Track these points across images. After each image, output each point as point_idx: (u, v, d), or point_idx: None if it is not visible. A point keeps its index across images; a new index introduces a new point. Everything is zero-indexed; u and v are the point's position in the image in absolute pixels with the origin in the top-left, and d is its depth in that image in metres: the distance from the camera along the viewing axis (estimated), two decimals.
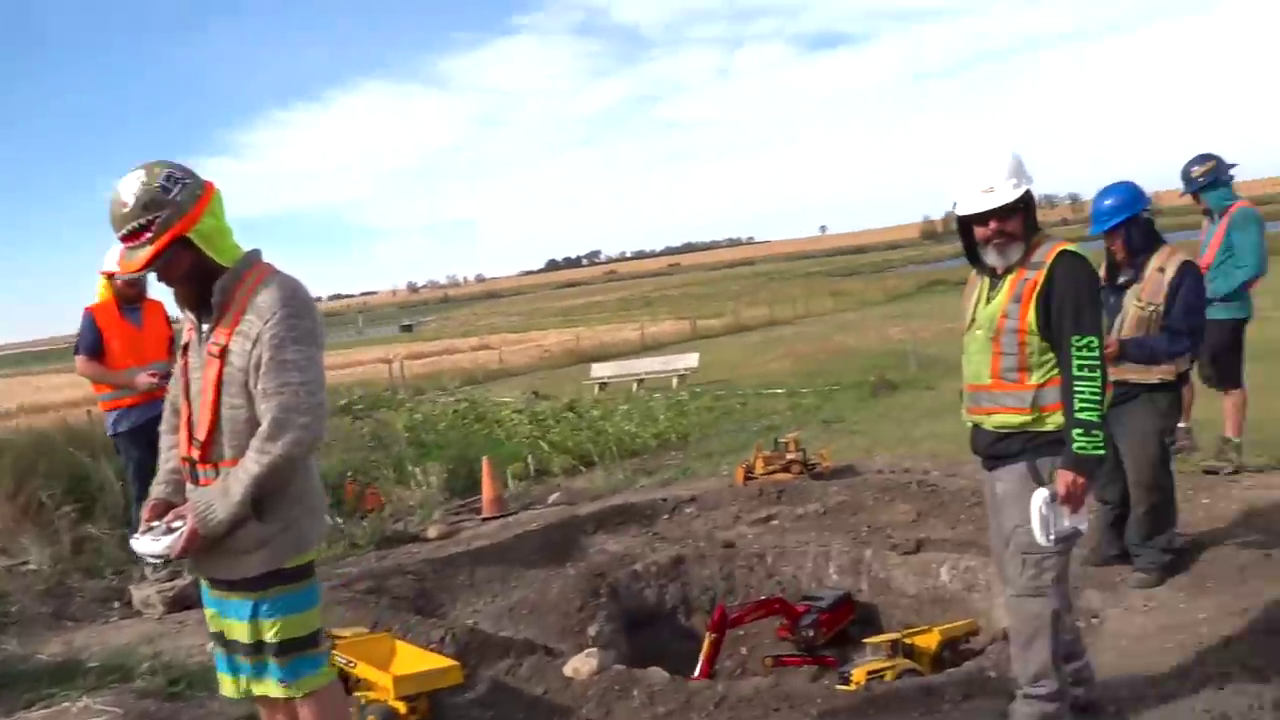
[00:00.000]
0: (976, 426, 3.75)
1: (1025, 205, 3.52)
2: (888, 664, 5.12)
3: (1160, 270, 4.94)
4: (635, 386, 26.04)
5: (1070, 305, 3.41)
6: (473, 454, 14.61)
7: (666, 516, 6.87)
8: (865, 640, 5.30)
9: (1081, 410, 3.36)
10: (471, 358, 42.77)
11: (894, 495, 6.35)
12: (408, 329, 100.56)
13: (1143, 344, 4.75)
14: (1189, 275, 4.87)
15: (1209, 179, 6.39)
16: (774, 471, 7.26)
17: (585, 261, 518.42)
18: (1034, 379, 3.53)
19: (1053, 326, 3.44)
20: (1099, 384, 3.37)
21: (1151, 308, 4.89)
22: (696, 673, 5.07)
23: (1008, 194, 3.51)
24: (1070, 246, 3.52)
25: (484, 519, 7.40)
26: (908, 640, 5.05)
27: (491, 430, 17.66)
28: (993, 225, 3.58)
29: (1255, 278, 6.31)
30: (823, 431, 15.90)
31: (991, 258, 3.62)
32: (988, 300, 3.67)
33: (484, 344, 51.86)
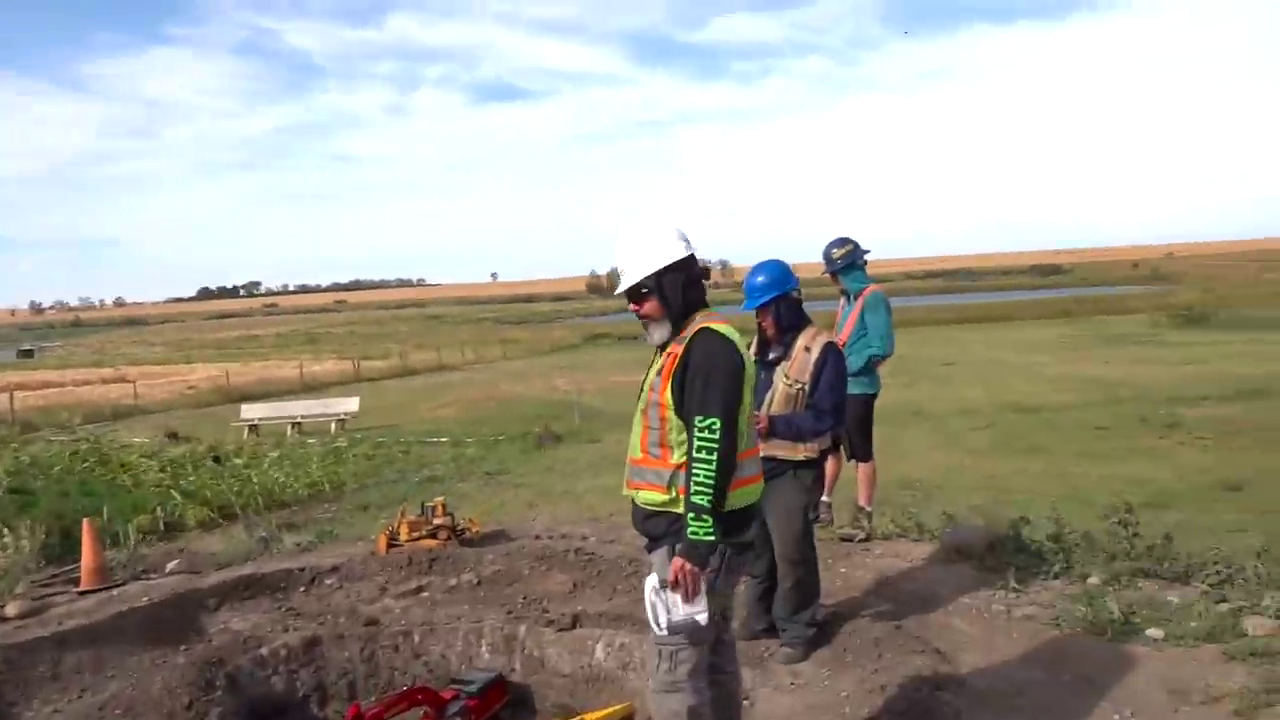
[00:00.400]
0: (632, 501, 3.61)
1: (656, 288, 3.48)
2: None
3: (806, 349, 5.09)
4: (290, 430, 24.42)
5: (699, 384, 3.32)
6: (84, 507, 12.86)
7: (303, 589, 6.18)
8: None
9: (695, 493, 3.23)
10: (102, 391, 38.34)
11: (551, 564, 6.13)
12: (28, 354, 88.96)
13: (790, 421, 4.91)
14: (832, 355, 5.08)
15: (846, 261, 6.92)
16: (420, 538, 6.79)
17: (243, 292, 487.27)
18: (674, 457, 3.41)
19: (685, 405, 3.36)
20: (714, 468, 3.22)
21: (798, 385, 5.00)
22: None
23: (631, 277, 3.51)
24: (715, 325, 3.44)
25: (81, 592, 6.30)
26: None
27: (116, 476, 15.71)
28: (631, 306, 3.57)
29: (884, 357, 6.90)
30: (486, 484, 15.63)
31: (652, 334, 3.59)
32: (648, 372, 3.62)
33: (120, 376, 46.84)
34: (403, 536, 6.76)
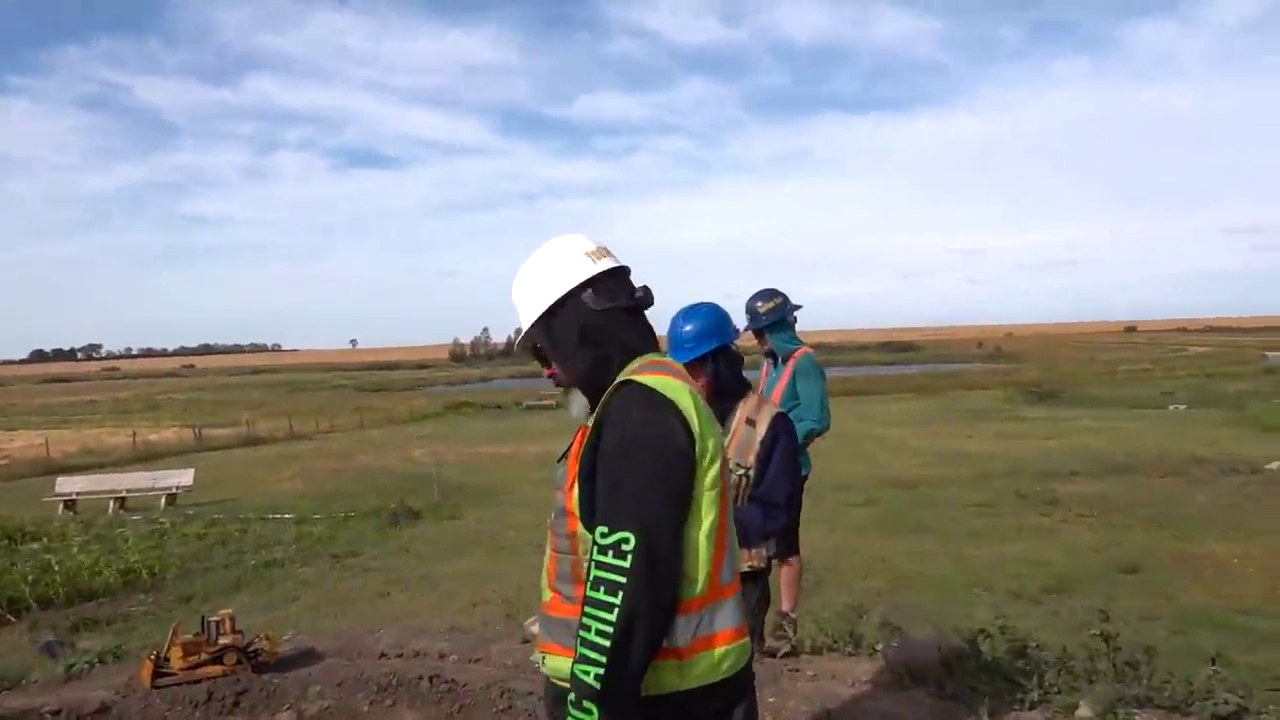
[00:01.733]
0: (540, 668, 2.33)
1: (547, 336, 2.30)
2: None
3: (749, 423, 3.93)
4: (113, 506, 22.01)
5: (606, 472, 2.04)
6: None
7: None
8: None
9: (580, 663, 1.94)
10: None
11: (398, 696, 4.79)
12: None
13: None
14: (783, 432, 3.91)
15: (774, 317, 5.85)
16: (200, 664, 5.19)
17: (81, 355, 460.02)
18: None
19: (591, 508, 2.10)
20: (614, 619, 1.93)
21: (740, 471, 3.84)
22: None
23: (526, 320, 2.33)
24: (642, 378, 2.14)
25: None
26: None
27: None
28: (545, 371, 2.40)
29: (821, 431, 5.87)
30: (332, 568, 14.04)
31: (568, 405, 2.36)
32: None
33: None
34: (175, 662, 5.17)
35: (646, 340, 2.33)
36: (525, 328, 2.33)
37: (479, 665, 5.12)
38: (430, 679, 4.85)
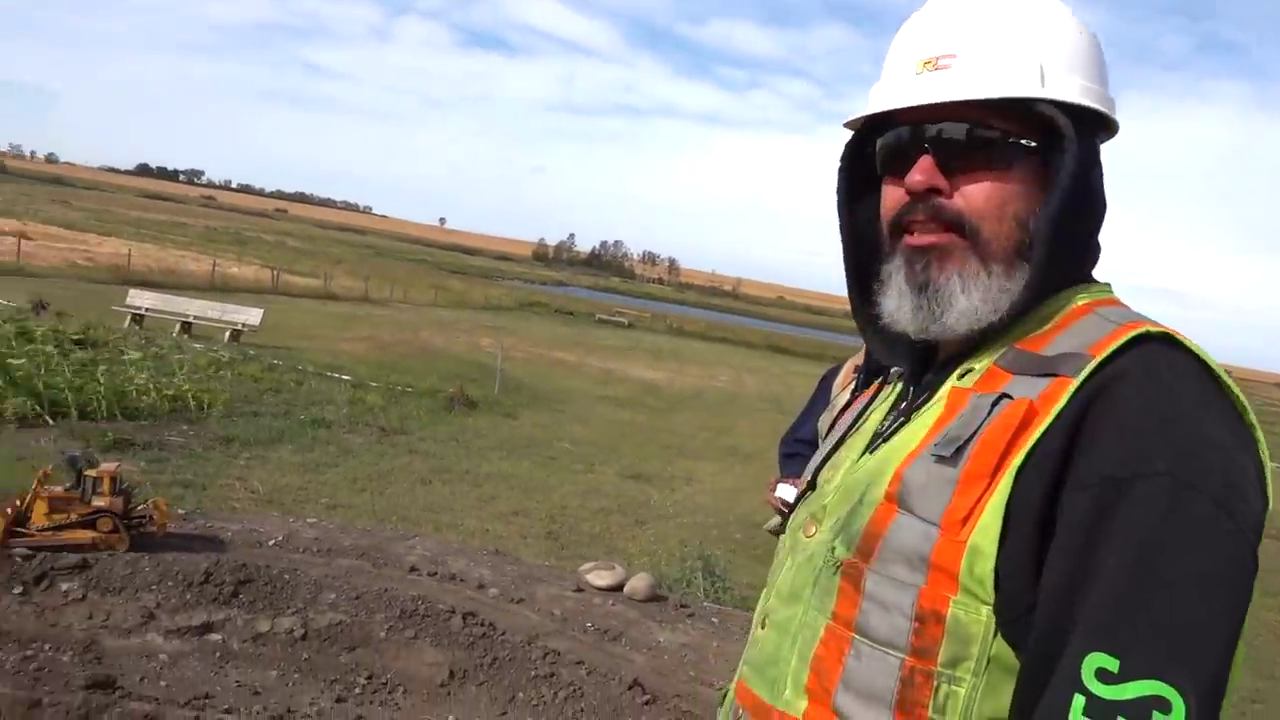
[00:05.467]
0: None
1: (1044, 135, 1.12)
2: None
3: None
4: (178, 329, 21.84)
5: (1121, 533, 0.93)
6: None
7: (20, 591, 4.05)
8: None
9: None
10: None
11: (421, 628, 4.06)
12: None
13: None
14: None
15: None
16: (66, 526, 4.34)
17: (183, 178, 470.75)
18: None
19: (1049, 586, 0.98)
20: None
21: None
22: None
23: (1001, 79, 1.11)
24: (1185, 341, 1.04)
25: None
26: None
27: None
28: (923, 168, 1.13)
29: None
30: (379, 442, 13.51)
31: (905, 306, 1.18)
32: (868, 448, 1.26)
33: (21, 231, 42.97)
34: (37, 519, 4.34)
35: (1095, 257, 1.25)
36: (989, 95, 1.11)
37: (521, 608, 4.36)
38: (464, 616, 4.09)
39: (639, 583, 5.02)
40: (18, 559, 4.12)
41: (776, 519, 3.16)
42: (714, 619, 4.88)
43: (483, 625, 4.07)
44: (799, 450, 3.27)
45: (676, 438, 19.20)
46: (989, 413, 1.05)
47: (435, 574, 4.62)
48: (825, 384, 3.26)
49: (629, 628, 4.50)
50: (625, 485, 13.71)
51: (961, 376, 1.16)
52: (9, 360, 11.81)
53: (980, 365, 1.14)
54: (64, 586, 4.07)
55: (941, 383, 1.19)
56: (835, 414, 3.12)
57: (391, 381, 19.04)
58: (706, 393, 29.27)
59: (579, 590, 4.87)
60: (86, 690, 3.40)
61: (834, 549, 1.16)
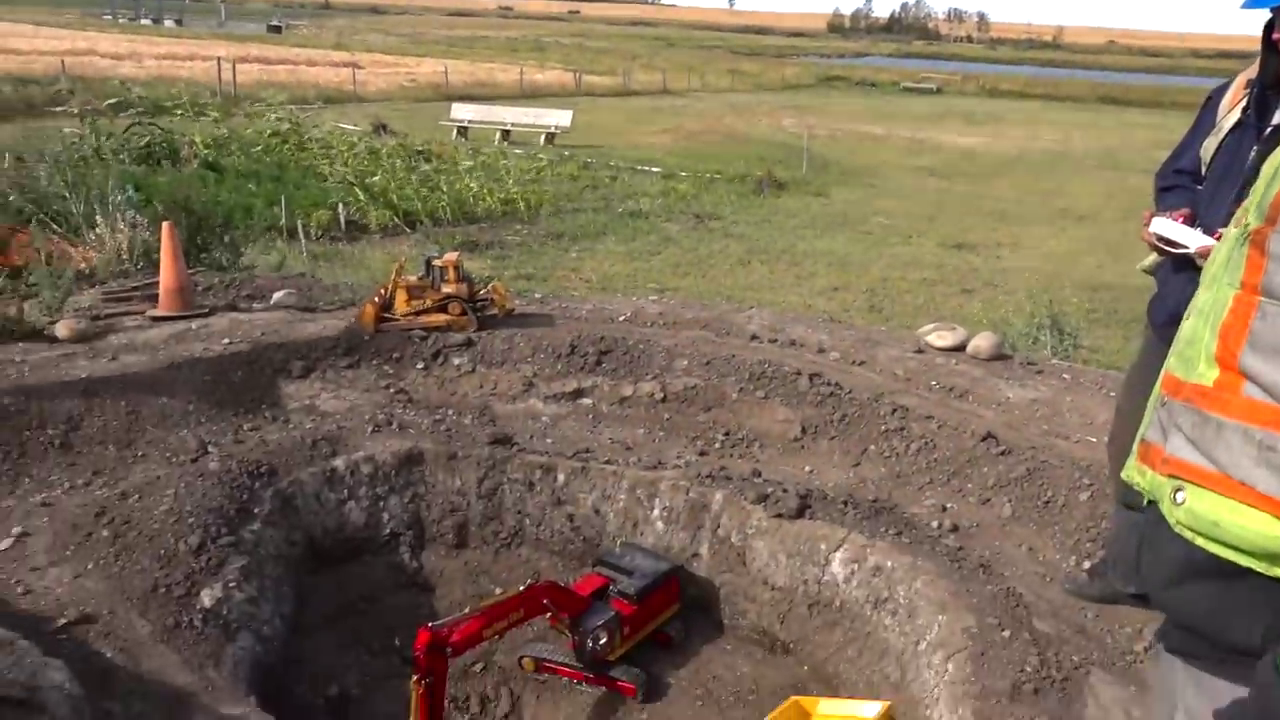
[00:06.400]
0: (1147, 499, 1.36)
1: None
2: None
3: None
4: (498, 137, 23.07)
5: None
6: (267, 193, 11.89)
7: (423, 366, 4.61)
8: None
9: None
10: (328, 75, 38.04)
11: (771, 388, 4.24)
12: (275, 30, 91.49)
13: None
14: None
15: None
16: (423, 311, 4.72)
17: None
18: None
19: None
20: None
21: None
22: None
23: None
24: None
25: (154, 318, 4.93)
26: None
27: (311, 163, 14.80)
28: None
29: None
30: (694, 228, 13.84)
31: None
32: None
33: (353, 61, 46.57)
34: (399, 307, 4.75)
35: None
36: None
37: (863, 370, 4.43)
38: (811, 377, 4.23)
39: (983, 341, 4.91)
40: (416, 339, 4.72)
41: (1152, 257, 2.93)
42: (1064, 375, 4.71)
43: (829, 385, 4.20)
44: (1178, 183, 2.98)
45: (999, 204, 18.13)
46: None
47: (776, 340, 4.78)
48: (1210, 106, 2.91)
49: (975, 385, 4.46)
50: (946, 255, 13.26)
51: None
52: (367, 179, 13.09)
53: None
54: (456, 361, 4.64)
55: None
56: (1222, 136, 2.79)
57: (700, 169, 19.23)
58: (1029, 154, 27.16)
59: (919, 351, 4.86)
60: (491, 445, 3.92)
61: (1247, 226, 1.25)
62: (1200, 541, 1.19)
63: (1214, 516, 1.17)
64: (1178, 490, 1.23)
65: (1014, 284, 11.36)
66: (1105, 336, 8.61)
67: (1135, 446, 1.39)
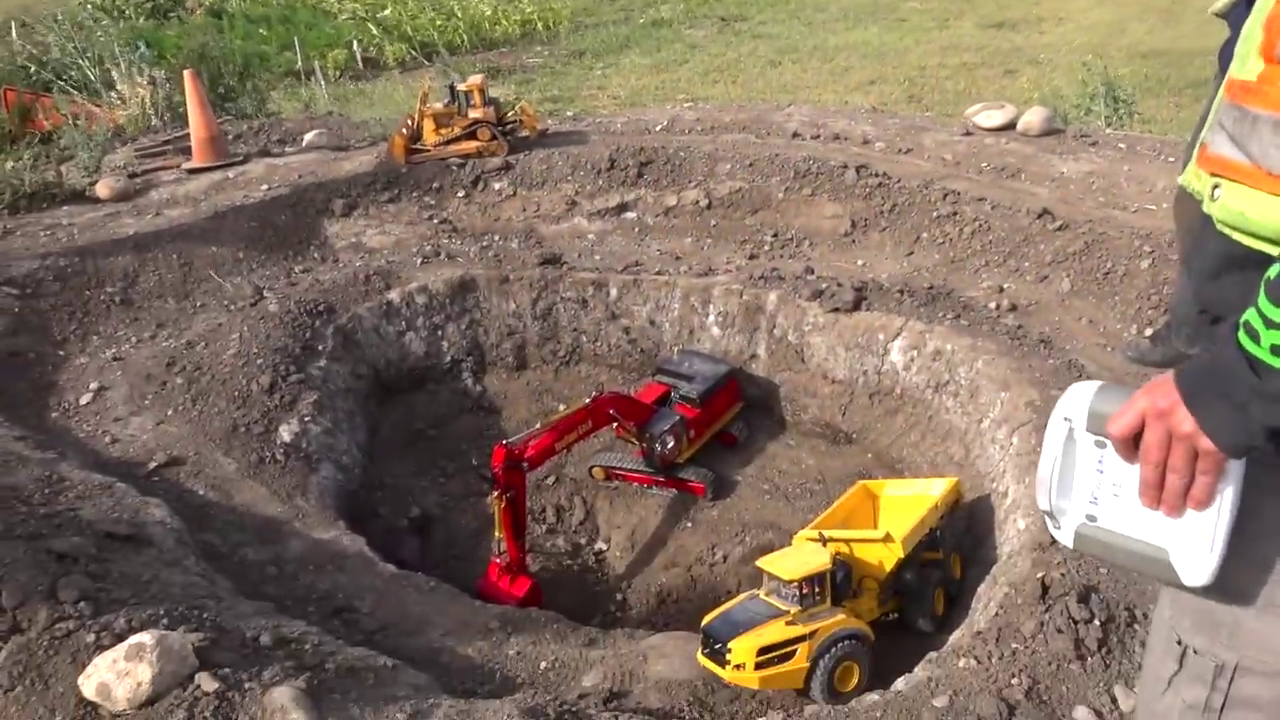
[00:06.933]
0: (1199, 206, 1.35)
1: None
2: (798, 631, 3.30)
3: None
4: None
5: None
6: (278, 36, 11.57)
7: (463, 194, 4.55)
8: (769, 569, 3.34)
9: None
10: None
11: (818, 185, 4.12)
12: None
13: None
14: None
15: None
16: (453, 140, 4.62)
17: None
18: None
19: None
20: None
21: None
22: (502, 559, 3.16)
23: None
24: None
25: (190, 170, 4.88)
26: (847, 546, 3.15)
27: (320, 2, 14.34)
28: None
29: None
30: (720, 32, 13.32)
31: None
32: None
33: None
34: (428, 138, 4.65)
35: None
36: None
37: (910, 158, 4.32)
38: (857, 169, 4.13)
39: (1033, 117, 4.73)
40: (454, 167, 4.67)
41: None
42: (1120, 145, 4.55)
43: (876, 176, 4.10)
44: None
45: None
46: None
47: (818, 136, 4.65)
48: None
49: (1027, 163, 4.34)
50: (986, 36, 12.66)
51: None
52: (378, 13, 12.68)
53: None
54: (496, 186, 4.59)
55: None
56: None
57: None
58: None
59: (967, 134, 4.72)
60: (541, 266, 3.93)
61: None
62: (1236, 236, 1.24)
63: (1240, 207, 1.22)
64: (1215, 187, 1.27)
65: (1060, 60, 10.88)
66: (1158, 106, 8.28)
67: (1195, 151, 1.43)
